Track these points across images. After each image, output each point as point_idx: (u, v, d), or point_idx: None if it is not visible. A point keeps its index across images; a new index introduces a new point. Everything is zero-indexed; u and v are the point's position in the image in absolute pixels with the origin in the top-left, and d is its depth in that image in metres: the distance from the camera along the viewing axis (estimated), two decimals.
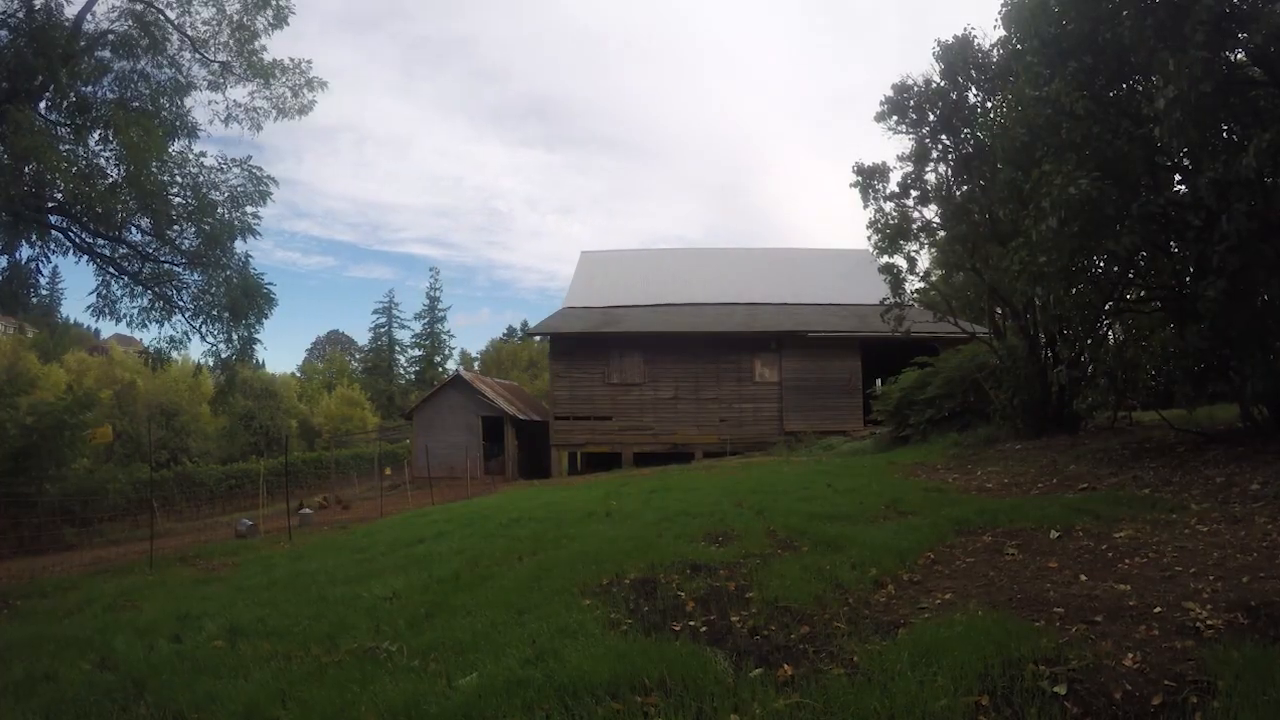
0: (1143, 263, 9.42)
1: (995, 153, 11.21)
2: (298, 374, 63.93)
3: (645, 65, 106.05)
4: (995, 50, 12.74)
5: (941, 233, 15.35)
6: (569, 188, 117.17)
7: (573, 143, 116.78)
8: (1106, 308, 10.57)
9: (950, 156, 14.34)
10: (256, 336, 12.45)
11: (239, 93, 13.47)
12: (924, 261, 17.36)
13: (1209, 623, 3.43)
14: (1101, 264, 9.69)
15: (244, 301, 11.73)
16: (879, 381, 21.62)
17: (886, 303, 16.02)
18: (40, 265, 11.91)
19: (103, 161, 10.87)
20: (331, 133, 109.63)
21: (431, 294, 66.36)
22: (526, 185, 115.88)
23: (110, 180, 10.54)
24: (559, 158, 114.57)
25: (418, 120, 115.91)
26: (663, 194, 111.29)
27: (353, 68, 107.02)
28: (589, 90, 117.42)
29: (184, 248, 11.83)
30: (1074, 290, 9.71)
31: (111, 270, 12.06)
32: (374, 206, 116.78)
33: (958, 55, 13.42)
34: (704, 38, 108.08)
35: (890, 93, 14.40)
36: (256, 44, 12.82)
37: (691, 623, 4.12)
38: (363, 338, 70.68)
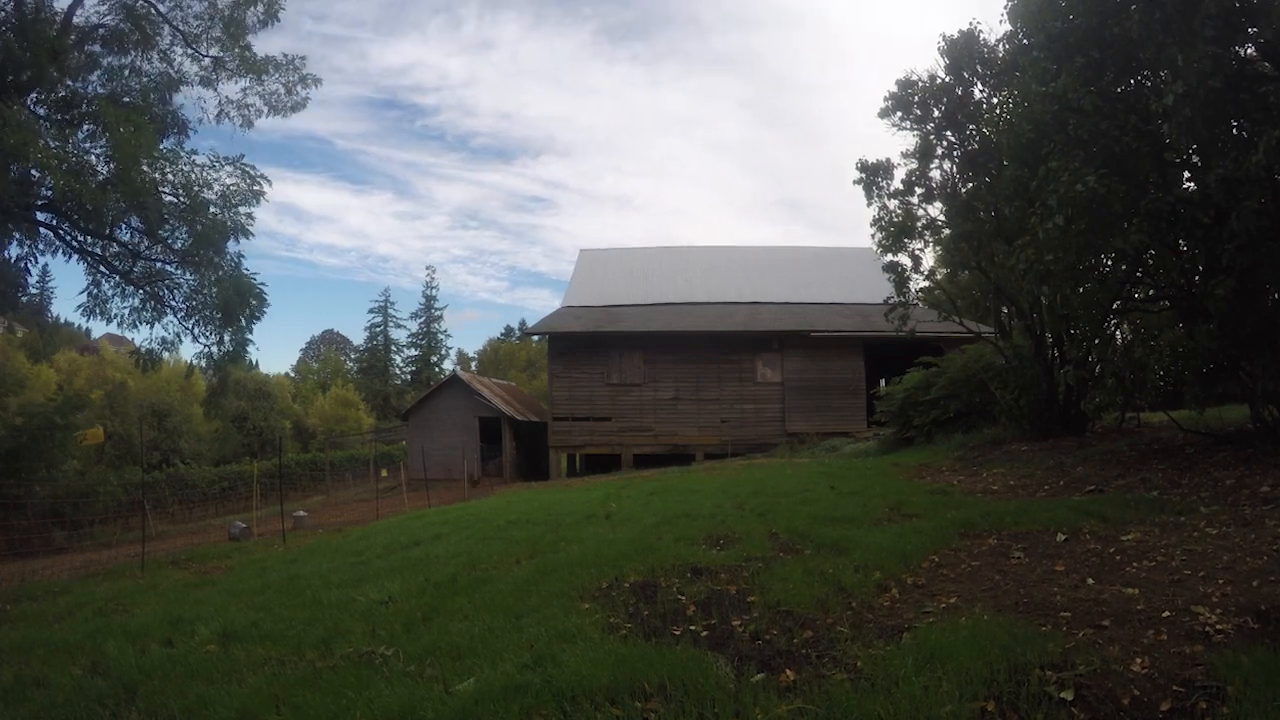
0: (1151, 261, 9.32)
1: (1001, 149, 11.11)
2: (292, 374, 63.77)
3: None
4: (1001, 45, 12.60)
5: (946, 230, 15.20)
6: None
7: (800, 224, 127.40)
8: (1114, 307, 10.47)
9: (955, 153, 14.21)
10: (249, 337, 12.41)
11: (231, 89, 13.45)
12: (929, 260, 17.32)
13: (1218, 627, 3.40)
14: (1109, 262, 9.60)
15: (237, 301, 11.67)
16: (883, 382, 21.54)
17: (890, 302, 15.89)
18: (29, 264, 12.03)
19: (93, 158, 10.83)
20: (622, 200, 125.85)
21: (428, 293, 65.94)
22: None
23: (100, 177, 10.47)
24: (778, 229, 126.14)
25: (698, 201, 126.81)
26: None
27: (698, 174, 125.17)
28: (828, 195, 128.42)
29: (176, 247, 11.79)
30: (1081, 289, 9.61)
31: (102, 269, 12.05)
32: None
33: (963, 50, 13.29)
34: None
35: (894, 88, 14.29)
36: (248, 39, 12.81)
37: (692, 627, 4.09)
38: (358, 337, 70.58)
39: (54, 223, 11.49)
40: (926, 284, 17.92)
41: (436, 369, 61.56)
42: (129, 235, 11.90)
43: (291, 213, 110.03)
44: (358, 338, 70.66)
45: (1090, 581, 4.42)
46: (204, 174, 11.40)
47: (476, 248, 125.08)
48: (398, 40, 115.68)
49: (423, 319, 64.91)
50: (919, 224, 15.06)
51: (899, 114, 14.32)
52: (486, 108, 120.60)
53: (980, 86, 13.60)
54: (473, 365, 64.59)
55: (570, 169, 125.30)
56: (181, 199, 11.18)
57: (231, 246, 11.85)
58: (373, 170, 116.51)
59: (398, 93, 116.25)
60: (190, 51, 12.70)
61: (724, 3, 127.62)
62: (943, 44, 13.53)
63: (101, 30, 11.97)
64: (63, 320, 61.32)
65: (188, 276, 12.06)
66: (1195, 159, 8.35)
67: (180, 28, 12.50)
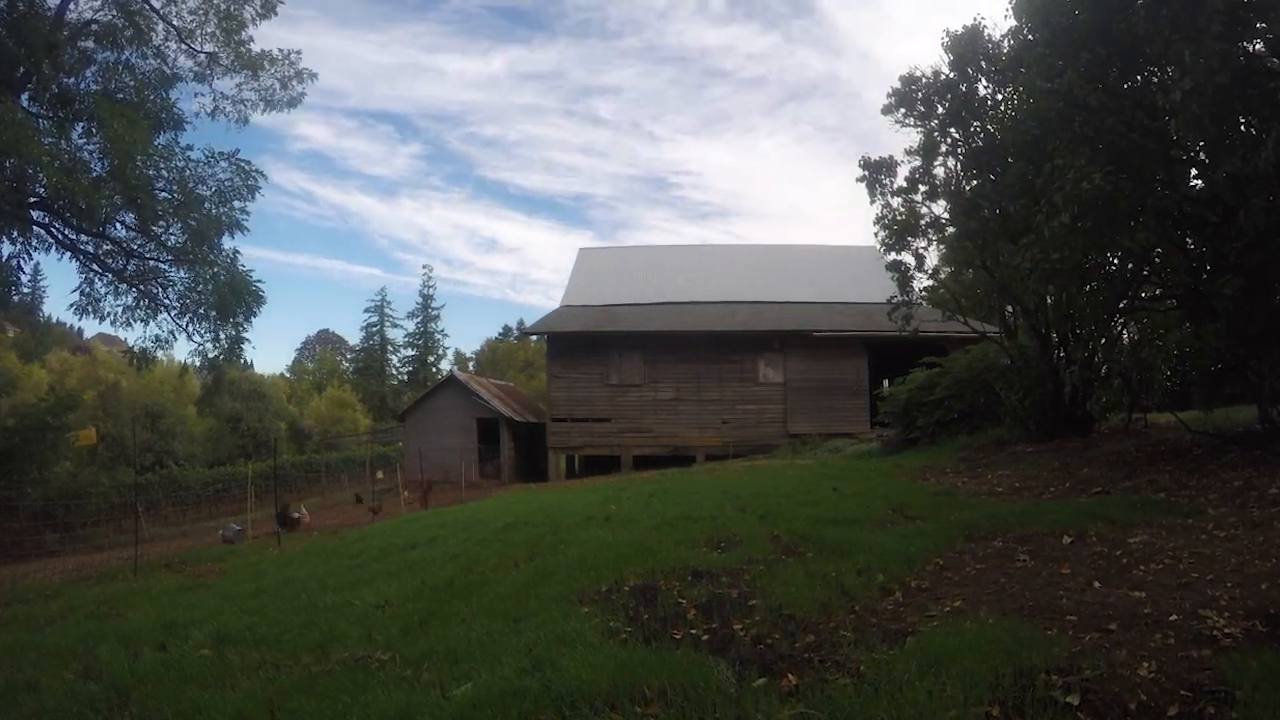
0: (1158, 260, 9.26)
1: (1006, 146, 11.06)
2: (287, 375, 63.74)
3: None
4: (1006, 41, 12.51)
5: (950, 229, 15.15)
6: None
7: None
8: (1120, 306, 10.42)
9: (959, 150, 14.13)
10: (244, 336, 12.37)
11: (226, 84, 13.45)
12: (932, 258, 17.17)
13: (1226, 631, 3.36)
14: (1115, 261, 9.54)
15: (232, 299, 11.61)
16: (886, 382, 21.49)
17: (894, 301, 15.84)
18: (21, 262, 11.94)
19: (86, 155, 10.79)
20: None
21: (425, 292, 64.82)
22: None
23: (94, 174, 10.44)
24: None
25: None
26: None
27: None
28: None
29: (170, 244, 11.75)
30: (1087, 288, 9.57)
31: (95, 267, 12.01)
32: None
33: (967, 46, 13.20)
34: None
35: (898, 84, 14.22)
36: (244, 34, 12.81)
37: (693, 631, 4.04)
38: (354, 337, 69.89)
39: (47, 220, 11.44)
40: (930, 283, 17.78)
41: (434, 369, 61.12)
42: (123, 232, 11.87)
43: (486, 244, 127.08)
44: (354, 337, 70.33)
45: (1096, 584, 4.37)
46: (199, 169, 11.37)
47: None
48: (698, 142, 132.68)
49: (419, 319, 64.20)
50: (922, 222, 15.02)
51: (902, 110, 14.26)
52: (725, 188, 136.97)
53: (984, 83, 13.52)
54: (470, 365, 64.42)
55: (751, 226, 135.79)
56: (176, 195, 11.14)
57: (227, 243, 11.83)
58: (596, 219, 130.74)
59: (666, 174, 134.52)
60: (185, 47, 12.72)
61: None
62: (946, 40, 13.45)
63: (95, 25, 11.96)
64: (55, 320, 61.38)
65: (182, 274, 12.03)
66: (1203, 156, 8.27)
67: (174, 23, 12.50)
